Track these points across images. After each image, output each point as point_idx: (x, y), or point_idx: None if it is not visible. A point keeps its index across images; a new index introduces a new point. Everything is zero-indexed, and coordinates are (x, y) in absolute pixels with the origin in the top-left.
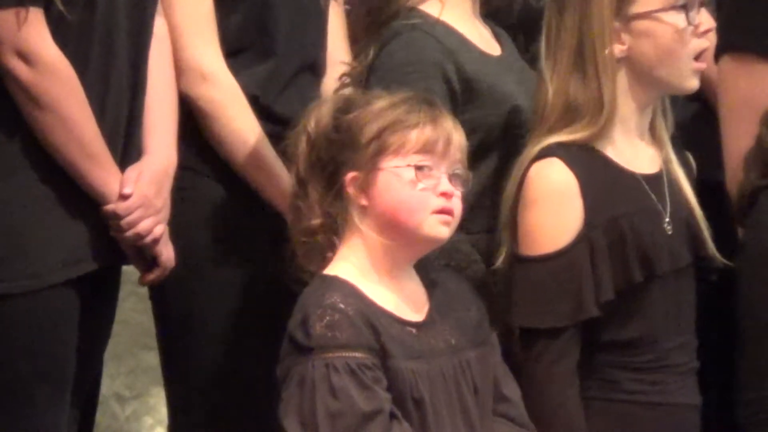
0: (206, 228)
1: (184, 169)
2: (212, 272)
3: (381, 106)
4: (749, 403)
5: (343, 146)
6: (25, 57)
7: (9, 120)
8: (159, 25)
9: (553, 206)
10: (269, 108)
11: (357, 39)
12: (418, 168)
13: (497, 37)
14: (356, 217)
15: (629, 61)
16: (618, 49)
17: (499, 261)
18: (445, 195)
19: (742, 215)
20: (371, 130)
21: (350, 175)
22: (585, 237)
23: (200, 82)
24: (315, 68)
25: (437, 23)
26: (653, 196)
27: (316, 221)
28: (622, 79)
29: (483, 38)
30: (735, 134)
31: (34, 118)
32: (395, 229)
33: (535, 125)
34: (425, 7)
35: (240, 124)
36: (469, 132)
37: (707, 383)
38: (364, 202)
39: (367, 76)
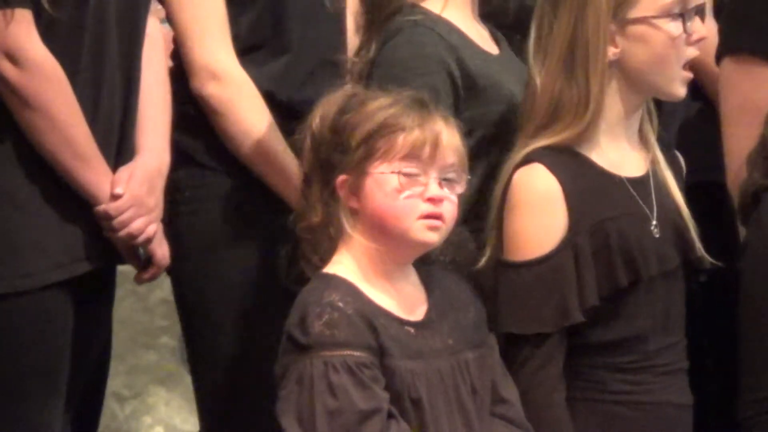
0: (219, 224)
1: (196, 165)
2: (225, 269)
3: (372, 108)
4: (751, 403)
5: (336, 147)
6: (12, 58)
7: (0, 120)
8: (152, 25)
9: (536, 212)
10: (286, 104)
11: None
12: (404, 175)
13: (494, 38)
14: (347, 221)
15: (620, 65)
16: (611, 52)
17: (482, 262)
18: (432, 200)
19: (745, 215)
20: (361, 133)
21: (341, 177)
22: (569, 242)
23: (210, 81)
24: (335, 65)
25: (439, 20)
26: (639, 200)
27: (315, 219)
28: (612, 83)
29: (482, 37)
30: (736, 136)
31: (23, 119)
32: (384, 234)
33: (522, 124)
34: (427, 4)
35: (251, 121)
36: (470, 129)
37: (704, 383)
38: (354, 205)
39: (369, 72)
